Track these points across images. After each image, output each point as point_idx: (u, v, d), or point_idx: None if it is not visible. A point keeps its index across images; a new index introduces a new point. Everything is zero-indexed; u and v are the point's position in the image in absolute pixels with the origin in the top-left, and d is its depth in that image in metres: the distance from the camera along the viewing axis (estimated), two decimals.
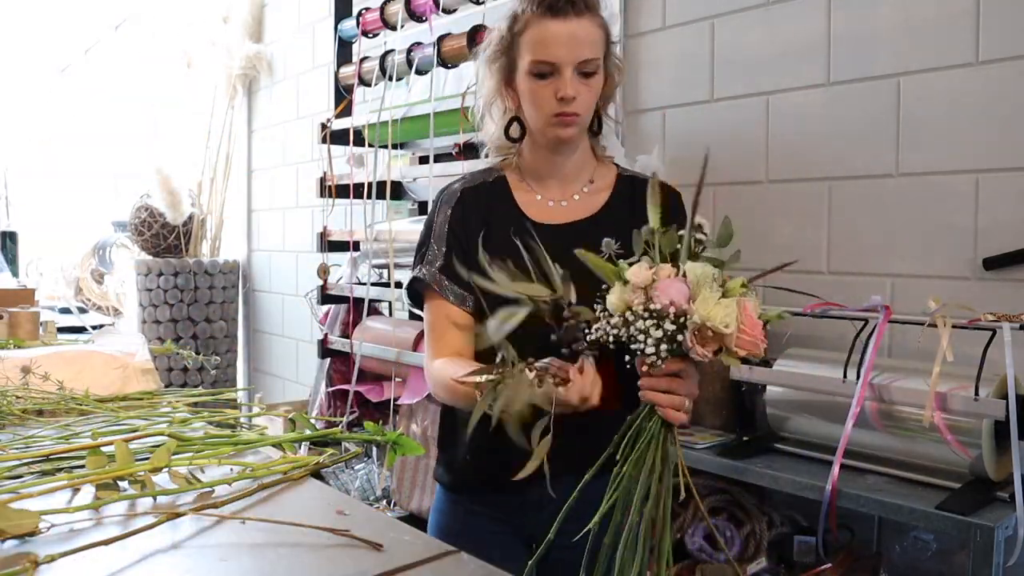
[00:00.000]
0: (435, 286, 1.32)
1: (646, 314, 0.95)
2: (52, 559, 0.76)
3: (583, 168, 1.35)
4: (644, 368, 1.00)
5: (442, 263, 1.33)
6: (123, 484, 0.97)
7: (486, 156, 1.43)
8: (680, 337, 0.95)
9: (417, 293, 1.37)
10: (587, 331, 1.01)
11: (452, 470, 1.40)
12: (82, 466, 1.04)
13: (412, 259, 1.43)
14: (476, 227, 1.31)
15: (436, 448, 1.48)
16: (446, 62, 2.47)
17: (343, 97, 2.96)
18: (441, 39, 2.45)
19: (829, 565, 1.64)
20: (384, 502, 2.52)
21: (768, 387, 1.72)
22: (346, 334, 2.76)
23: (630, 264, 0.99)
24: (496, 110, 1.34)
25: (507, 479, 1.23)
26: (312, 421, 1.23)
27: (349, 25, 2.90)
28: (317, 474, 1.15)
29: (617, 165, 1.41)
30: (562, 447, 1.15)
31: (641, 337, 0.96)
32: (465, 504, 1.39)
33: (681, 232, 0.99)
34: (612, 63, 1.29)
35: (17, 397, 1.43)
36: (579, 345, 1.02)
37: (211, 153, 4.11)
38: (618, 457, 1.02)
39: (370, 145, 2.74)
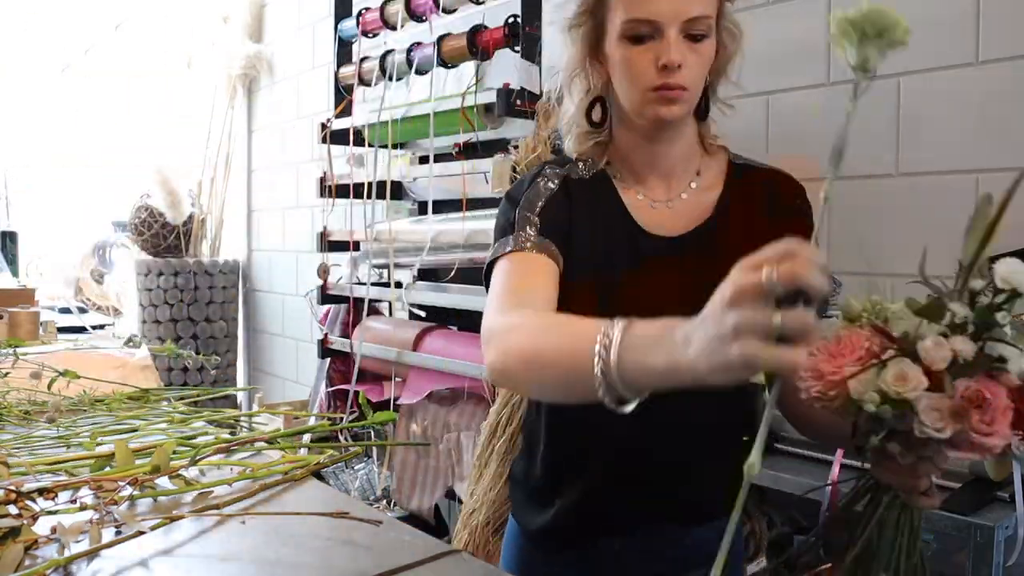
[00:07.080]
0: (525, 243, 1.01)
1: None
2: (57, 564, 0.76)
3: (690, 160, 1.08)
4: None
5: (537, 232, 1.02)
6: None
7: (554, 150, 1.16)
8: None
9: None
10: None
11: (540, 514, 1.13)
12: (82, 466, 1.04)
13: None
14: (581, 222, 1.05)
15: (508, 483, 1.23)
16: (446, 62, 2.47)
17: (343, 97, 2.96)
18: (441, 39, 2.45)
19: (829, 565, 1.64)
20: (384, 502, 2.52)
21: None
22: (346, 334, 2.76)
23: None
24: (577, 87, 1.07)
25: (597, 528, 1.09)
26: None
27: (349, 25, 2.90)
28: (317, 474, 1.15)
29: (726, 149, 1.15)
30: (664, 495, 1.05)
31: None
32: (546, 549, 1.15)
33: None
34: (725, 27, 1.05)
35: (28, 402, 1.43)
36: None
37: (211, 153, 4.11)
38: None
39: (370, 145, 2.74)
